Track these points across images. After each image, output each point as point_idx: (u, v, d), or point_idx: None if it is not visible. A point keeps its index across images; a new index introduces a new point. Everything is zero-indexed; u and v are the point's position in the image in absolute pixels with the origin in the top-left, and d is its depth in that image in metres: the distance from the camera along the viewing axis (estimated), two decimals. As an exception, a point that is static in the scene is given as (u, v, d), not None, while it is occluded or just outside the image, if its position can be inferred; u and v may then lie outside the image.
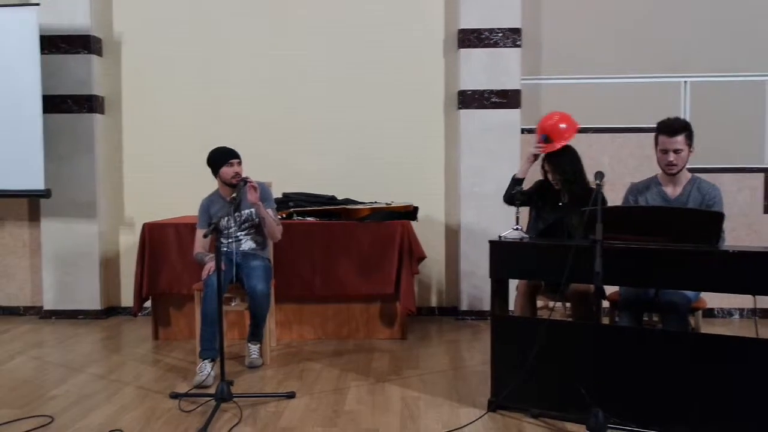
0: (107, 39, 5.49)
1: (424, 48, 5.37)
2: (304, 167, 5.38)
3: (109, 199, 5.51)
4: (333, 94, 5.41)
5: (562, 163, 3.67)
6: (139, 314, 4.81)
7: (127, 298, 5.43)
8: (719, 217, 2.96)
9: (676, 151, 3.35)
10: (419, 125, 5.39)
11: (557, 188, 3.73)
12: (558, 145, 3.65)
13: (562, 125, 3.69)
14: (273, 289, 4.23)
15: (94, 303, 5.36)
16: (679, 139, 3.33)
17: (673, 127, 3.35)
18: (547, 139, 3.64)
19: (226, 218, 3.92)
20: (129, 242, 5.48)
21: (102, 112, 5.46)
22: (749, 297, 2.86)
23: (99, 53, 5.42)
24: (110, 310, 5.49)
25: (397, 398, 3.49)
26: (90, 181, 5.34)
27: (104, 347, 4.62)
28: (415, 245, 4.74)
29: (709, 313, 5.16)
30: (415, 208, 4.91)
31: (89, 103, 5.32)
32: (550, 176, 3.71)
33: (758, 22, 5.19)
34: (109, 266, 5.50)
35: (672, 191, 3.47)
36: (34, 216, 5.46)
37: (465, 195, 5.24)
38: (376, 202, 5.04)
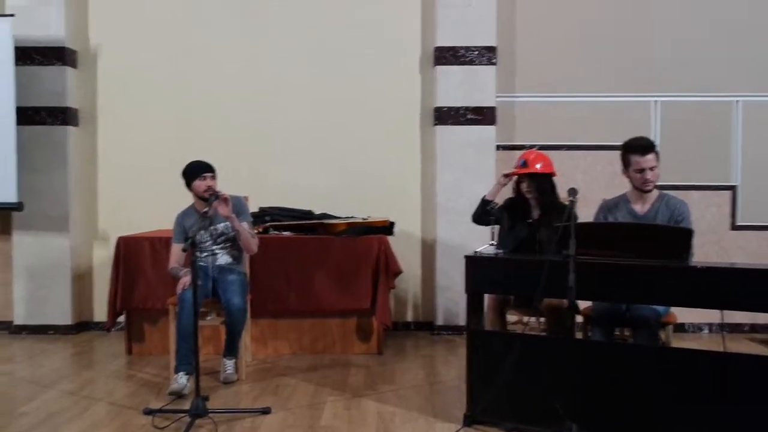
0: (82, 51, 5.45)
1: (401, 65, 5.43)
2: (280, 182, 5.38)
3: (83, 212, 5.45)
4: (310, 109, 5.44)
5: (538, 177, 3.76)
6: (113, 329, 4.75)
7: (99, 313, 5.36)
8: (689, 233, 3.04)
9: (651, 169, 3.44)
10: (396, 141, 5.44)
11: (530, 201, 3.79)
12: (533, 169, 3.76)
13: (539, 164, 3.79)
14: (249, 303, 4.21)
15: (65, 318, 5.28)
16: (651, 157, 3.44)
17: (644, 146, 3.46)
18: (525, 164, 3.76)
19: (201, 232, 3.91)
20: (102, 256, 5.41)
21: (76, 124, 5.41)
22: (718, 312, 2.93)
23: (74, 65, 5.39)
24: (82, 325, 5.41)
25: (373, 413, 3.50)
26: (63, 194, 5.28)
27: (76, 363, 4.55)
28: (392, 260, 4.76)
29: (680, 328, 5.25)
30: (392, 223, 4.94)
31: (63, 116, 5.27)
32: (524, 188, 3.77)
33: (727, 44, 5.34)
34: (81, 280, 5.42)
35: (641, 208, 3.54)
36: (5, 229, 5.37)
37: (441, 210, 5.28)
38: (352, 217, 5.06)
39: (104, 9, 5.45)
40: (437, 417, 3.42)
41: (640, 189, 3.50)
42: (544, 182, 3.77)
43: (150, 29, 5.44)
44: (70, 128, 5.32)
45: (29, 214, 5.17)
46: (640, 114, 5.37)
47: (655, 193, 3.55)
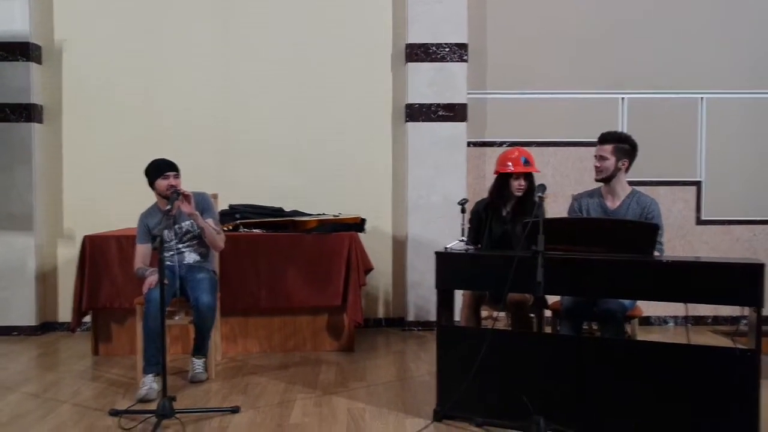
0: (47, 46, 5.34)
1: (373, 61, 5.42)
2: (251, 179, 5.34)
3: (47, 211, 5.34)
4: (281, 106, 5.40)
5: (530, 175, 3.83)
6: (78, 330, 4.66)
7: (64, 314, 5.26)
8: (654, 228, 3.08)
9: (601, 158, 3.52)
10: (367, 138, 5.42)
11: (507, 199, 3.82)
12: (534, 168, 3.84)
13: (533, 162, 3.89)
14: (218, 301, 4.17)
15: (29, 319, 5.16)
16: (606, 148, 3.52)
17: (603, 136, 3.57)
18: (527, 162, 3.80)
19: (165, 231, 3.86)
20: (67, 255, 5.31)
21: (40, 121, 5.29)
22: (683, 305, 2.98)
23: (38, 61, 5.27)
24: (47, 326, 5.30)
25: (344, 410, 3.48)
26: (27, 192, 5.17)
27: (40, 365, 4.46)
28: (363, 257, 4.75)
29: (646, 321, 5.33)
30: (363, 220, 4.93)
31: (27, 112, 5.16)
32: (517, 186, 3.79)
33: (692, 43, 5.43)
34: (45, 280, 5.31)
35: (612, 203, 3.60)
36: (-34, 228, 5.24)
37: (412, 207, 5.29)
38: (323, 214, 5.04)
39: (69, 4, 5.34)
40: (408, 413, 3.43)
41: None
42: (532, 180, 3.83)
43: (116, 25, 5.35)
44: (35, 125, 5.20)
45: (-9, 212, 5.06)
46: (608, 111, 5.43)
47: (627, 189, 3.61)
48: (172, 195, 3.74)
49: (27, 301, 5.16)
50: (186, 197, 3.80)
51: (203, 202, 4.01)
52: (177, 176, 3.96)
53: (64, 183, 5.38)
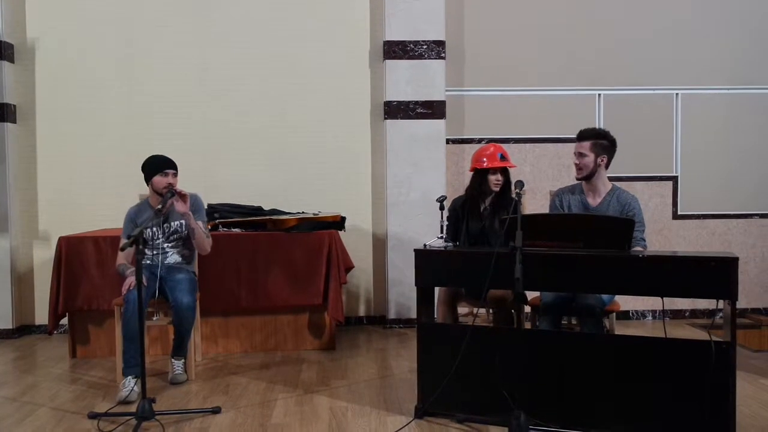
0: (20, 45, 5.25)
1: (351, 59, 5.41)
2: (229, 178, 5.30)
3: (22, 211, 5.26)
4: (259, 104, 5.36)
5: (507, 171, 3.86)
6: (55, 332, 4.60)
7: (41, 316, 5.18)
8: (630, 223, 3.11)
9: (580, 155, 3.55)
10: (346, 136, 5.41)
11: (485, 194, 3.83)
12: (510, 163, 3.86)
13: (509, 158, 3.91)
14: (198, 302, 4.14)
15: (5, 321, 5.09)
16: (584, 144, 3.55)
17: (581, 133, 3.60)
18: (503, 158, 3.83)
19: (152, 228, 3.82)
20: (44, 257, 5.23)
21: (14, 121, 5.21)
22: (660, 299, 3.02)
23: (11, 59, 5.18)
24: (23, 329, 5.23)
25: (325, 409, 3.48)
26: (1, 193, 5.08)
27: (16, 368, 4.39)
28: (343, 255, 4.75)
29: (624, 315, 5.39)
30: (343, 218, 4.92)
31: (0, 112, 5.07)
32: (495, 180, 3.80)
33: (666, 39, 5.49)
34: (21, 282, 5.24)
35: (593, 200, 3.63)
36: (-62, 230, 5.15)
37: (391, 204, 5.29)
38: (303, 212, 5.02)
39: (42, 1, 5.26)
40: (389, 410, 3.43)
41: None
42: (509, 176, 3.85)
43: (90, 22, 5.27)
44: (8, 125, 5.12)
45: (-36, 214, 4.98)
46: (585, 107, 5.48)
47: (608, 186, 3.63)
48: (167, 193, 3.71)
49: (3, 303, 5.08)
50: (182, 197, 3.77)
51: (195, 204, 3.98)
52: (175, 175, 3.93)
53: (39, 183, 5.30)
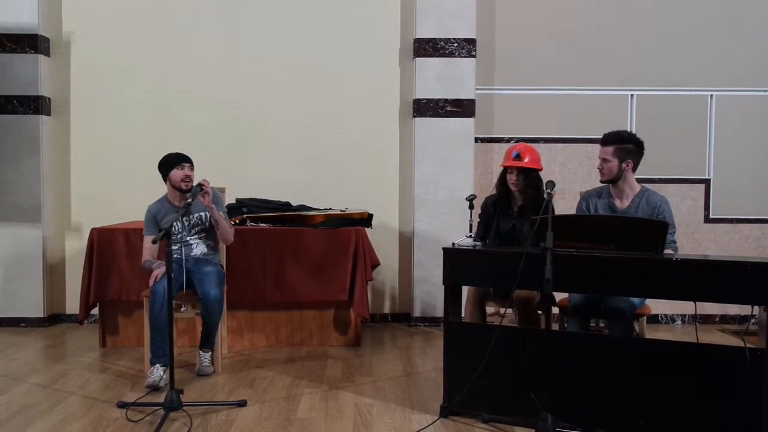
0: (55, 39, 5.34)
1: (381, 57, 5.40)
2: (258, 173, 5.34)
3: (56, 203, 5.35)
4: (289, 100, 5.39)
5: (525, 170, 3.76)
6: (86, 322, 4.67)
7: (72, 306, 5.28)
8: (664, 226, 3.06)
9: (603, 160, 3.49)
10: (375, 133, 5.41)
11: (514, 193, 3.80)
12: (522, 162, 3.74)
13: (527, 158, 3.76)
14: (225, 295, 4.18)
15: (37, 310, 5.19)
16: (608, 150, 3.48)
17: (604, 137, 3.53)
18: (518, 156, 3.74)
19: (174, 223, 3.86)
20: (76, 248, 5.32)
21: (49, 113, 5.30)
22: (691, 303, 2.97)
23: (47, 53, 5.28)
24: (54, 318, 5.33)
25: (350, 405, 3.49)
26: (35, 184, 5.18)
27: (48, 356, 4.47)
28: (369, 252, 4.74)
29: (654, 319, 5.32)
30: (370, 215, 4.93)
31: (35, 105, 5.17)
32: (511, 179, 3.76)
33: (701, 39, 5.40)
34: (53, 272, 5.33)
35: (620, 204, 3.57)
36: (-26, 220, 5.26)
37: (419, 202, 5.28)
38: (330, 209, 5.04)
39: (78, -4, 5.35)
40: (414, 408, 3.43)
41: None
42: (530, 176, 3.76)
43: (125, 17, 5.35)
44: (43, 117, 5.21)
45: (0, 205, 5.08)
46: (617, 107, 5.41)
47: (636, 188, 3.56)
48: (195, 188, 3.75)
49: (35, 292, 5.18)
50: (207, 192, 3.81)
51: (215, 197, 4.02)
52: (192, 168, 3.99)
53: (72, 175, 5.39)
